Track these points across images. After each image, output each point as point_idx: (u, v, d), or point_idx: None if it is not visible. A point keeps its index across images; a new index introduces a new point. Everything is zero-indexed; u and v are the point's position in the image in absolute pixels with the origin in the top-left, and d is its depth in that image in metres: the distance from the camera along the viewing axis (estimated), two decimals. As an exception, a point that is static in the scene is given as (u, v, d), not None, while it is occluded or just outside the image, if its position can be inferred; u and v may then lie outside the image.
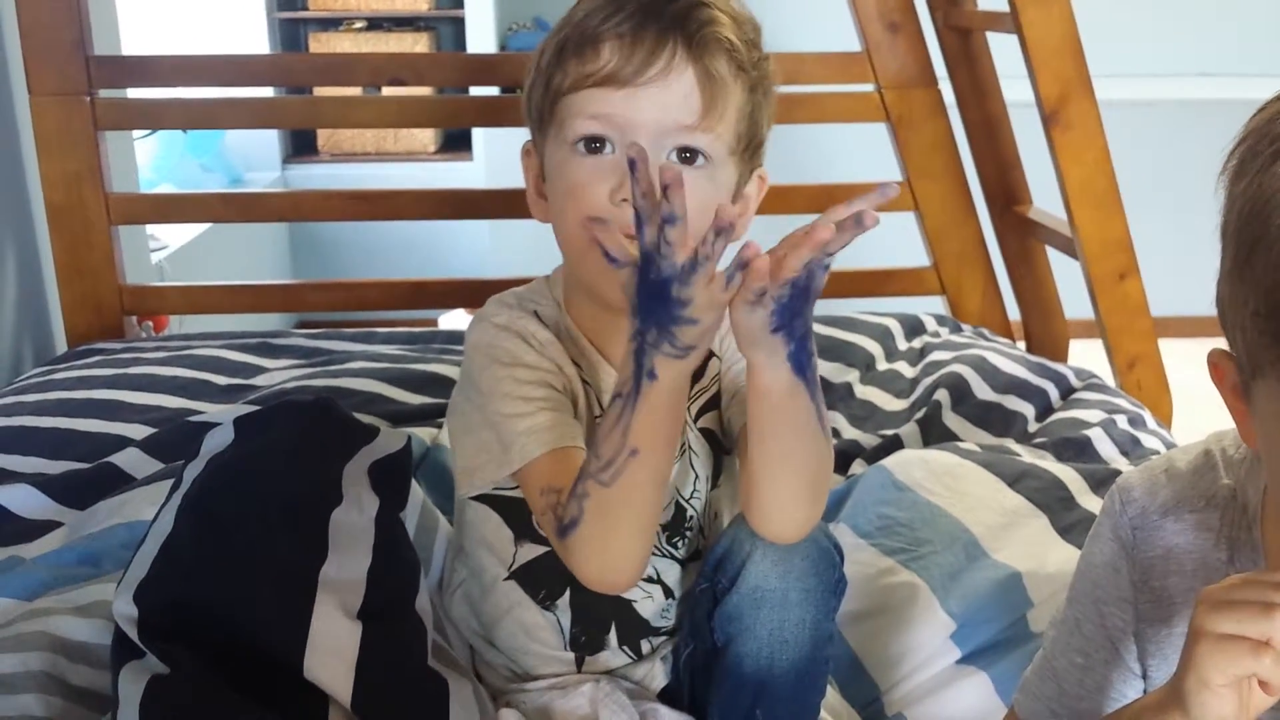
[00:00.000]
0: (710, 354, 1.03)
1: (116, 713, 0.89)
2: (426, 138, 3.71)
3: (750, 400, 0.84)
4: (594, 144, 0.94)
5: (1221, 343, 0.66)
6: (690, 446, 1.03)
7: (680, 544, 1.04)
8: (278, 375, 1.79)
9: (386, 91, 2.69)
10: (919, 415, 1.67)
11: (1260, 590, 0.60)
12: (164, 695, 0.87)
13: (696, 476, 1.03)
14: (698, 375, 1.03)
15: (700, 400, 1.04)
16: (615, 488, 0.85)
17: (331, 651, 0.91)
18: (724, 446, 1.05)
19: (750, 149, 0.98)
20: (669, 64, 0.92)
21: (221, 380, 1.76)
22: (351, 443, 1.11)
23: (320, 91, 2.85)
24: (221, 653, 0.90)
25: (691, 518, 1.03)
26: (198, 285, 2.26)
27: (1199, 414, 1.66)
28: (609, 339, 1.01)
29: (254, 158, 3.52)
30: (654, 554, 1.01)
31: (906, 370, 1.85)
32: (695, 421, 1.04)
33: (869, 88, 2.09)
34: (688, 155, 0.94)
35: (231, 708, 0.87)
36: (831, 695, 1.09)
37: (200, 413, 1.60)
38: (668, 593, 1.04)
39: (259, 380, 1.77)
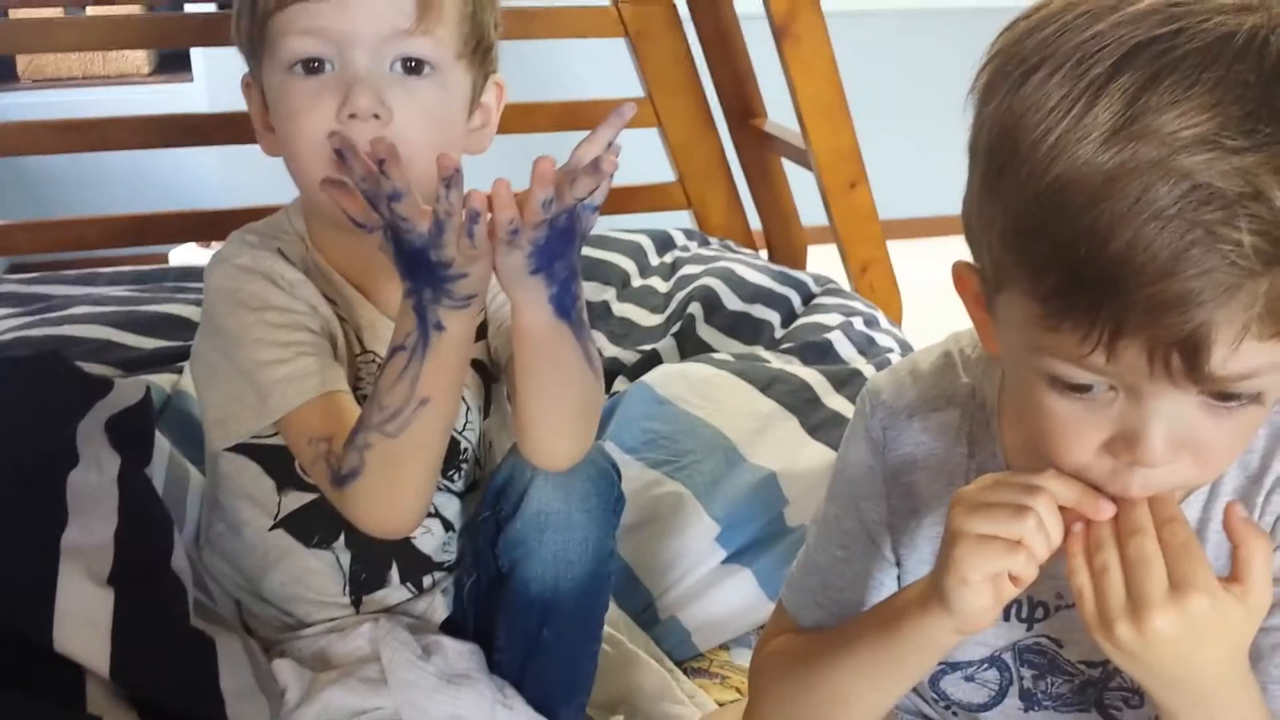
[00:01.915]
0: None
1: None
2: (139, 59, 3.44)
3: (515, 339, 0.84)
4: (312, 64, 0.90)
5: (950, 246, 0.69)
6: None
7: (456, 477, 1.03)
8: (-9, 327, 1.64)
9: (90, 11, 2.48)
10: (674, 329, 1.71)
11: (1012, 492, 0.65)
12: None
13: (468, 408, 1.02)
14: None
15: None
16: (402, 438, 0.84)
17: (82, 621, 0.86)
18: (493, 375, 1.04)
19: (480, 52, 0.96)
20: None
21: (-75, 336, 1.60)
22: (84, 398, 1.04)
23: (15, 13, 2.59)
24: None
25: (466, 450, 1.03)
26: (-115, 232, 2.04)
27: (925, 309, 1.78)
28: (362, 271, 0.98)
29: (-59, 86, 3.18)
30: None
31: (660, 285, 1.89)
32: None
33: (606, 2, 2.09)
34: (412, 65, 0.91)
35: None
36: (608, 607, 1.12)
37: (-97, 374, 1.45)
38: (447, 526, 1.03)
39: (-31, 334, 1.62)
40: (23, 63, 3.39)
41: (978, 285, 0.67)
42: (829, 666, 0.76)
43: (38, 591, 0.86)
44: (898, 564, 0.80)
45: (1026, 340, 0.61)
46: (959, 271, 0.69)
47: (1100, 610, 0.63)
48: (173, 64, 3.52)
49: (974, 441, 0.76)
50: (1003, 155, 0.60)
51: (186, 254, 2.88)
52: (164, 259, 2.79)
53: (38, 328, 1.59)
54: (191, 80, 3.41)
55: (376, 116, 0.88)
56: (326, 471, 0.88)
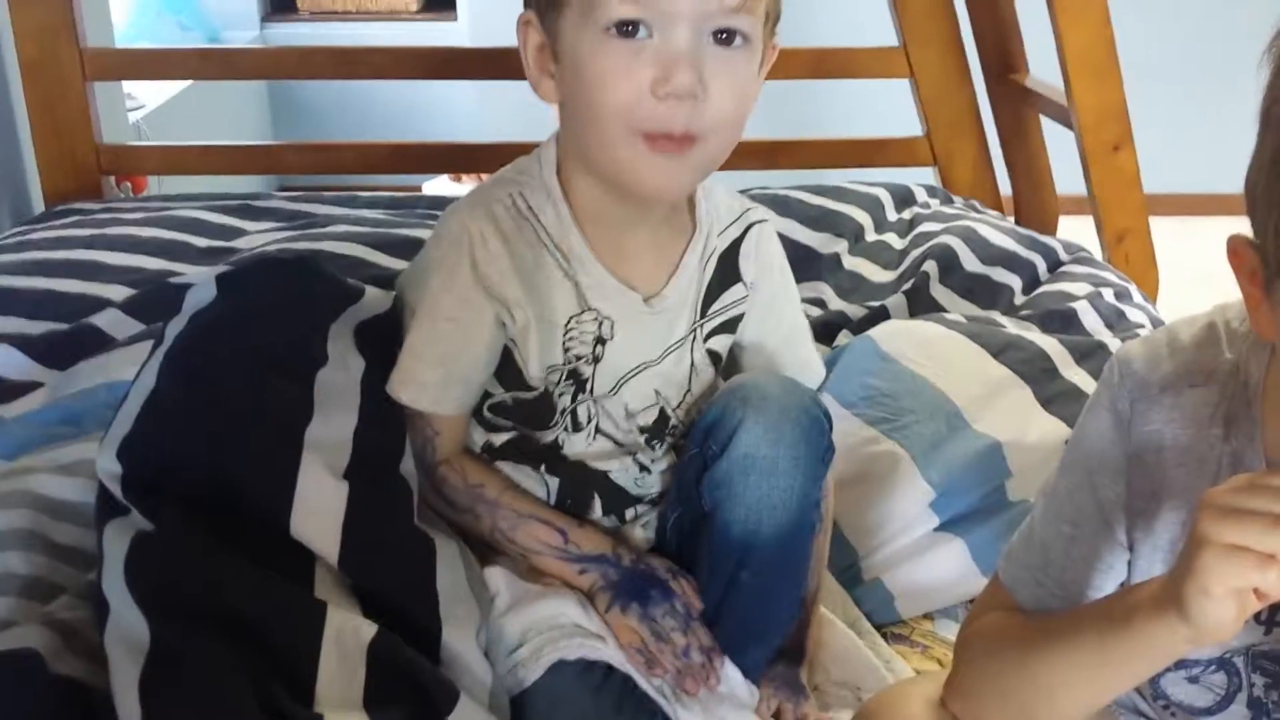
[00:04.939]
0: (737, 279, 1.04)
1: (101, 570, 0.89)
2: (409, -4, 3.60)
3: None
4: (628, 28, 0.87)
5: (1221, 227, 0.63)
6: (694, 364, 1.03)
7: (658, 445, 1.05)
8: (258, 238, 1.76)
9: (367, -55, 2.60)
10: (906, 287, 1.66)
11: (1268, 499, 0.59)
12: (150, 551, 0.87)
13: (689, 391, 1.04)
14: (713, 292, 1.03)
15: (716, 320, 1.04)
16: (498, 541, 1.00)
17: (318, 510, 0.91)
18: (719, 368, 1.06)
19: (775, 20, 0.94)
20: None
21: (201, 242, 1.74)
22: (337, 302, 1.09)
23: (298, -54, 2.75)
24: (206, 509, 0.90)
25: (675, 426, 1.04)
26: (176, 145, 2.21)
27: (1182, 291, 1.66)
28: (607, 229, 0.98)
29: (232, 16, 3.41)
30: (629, 452, 1.03)
31: (895, 241, 1.83)
32: (705, 340, 1.04)
33: (866, -50, 2.03)
34: (725, 36, 0.88)
35: (217, 563, 0.87)
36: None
37: (180, 274, 1.58)
38: (643, 468, 1.05)
39: (239, 243, 1.74)
40: (303, -5, 3.60)
41: (1256, 263, 0.61)
42: (1046, 655, 0.72)
43: (281, 477, 0.92)
44: (1130, 548, 0.75)
45: None
46: (1235, 246, 0.63)
47: None
48: (439, 2, 3.66)
49: (1231, 424, 0.70)
50: None
51: (440, 186, 3.00)
52: (418, 188, 2.91)
53: (299, 241, 1.70)
54: (455, 19, 3.54)
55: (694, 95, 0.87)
56: (426, 458, 0.99)
